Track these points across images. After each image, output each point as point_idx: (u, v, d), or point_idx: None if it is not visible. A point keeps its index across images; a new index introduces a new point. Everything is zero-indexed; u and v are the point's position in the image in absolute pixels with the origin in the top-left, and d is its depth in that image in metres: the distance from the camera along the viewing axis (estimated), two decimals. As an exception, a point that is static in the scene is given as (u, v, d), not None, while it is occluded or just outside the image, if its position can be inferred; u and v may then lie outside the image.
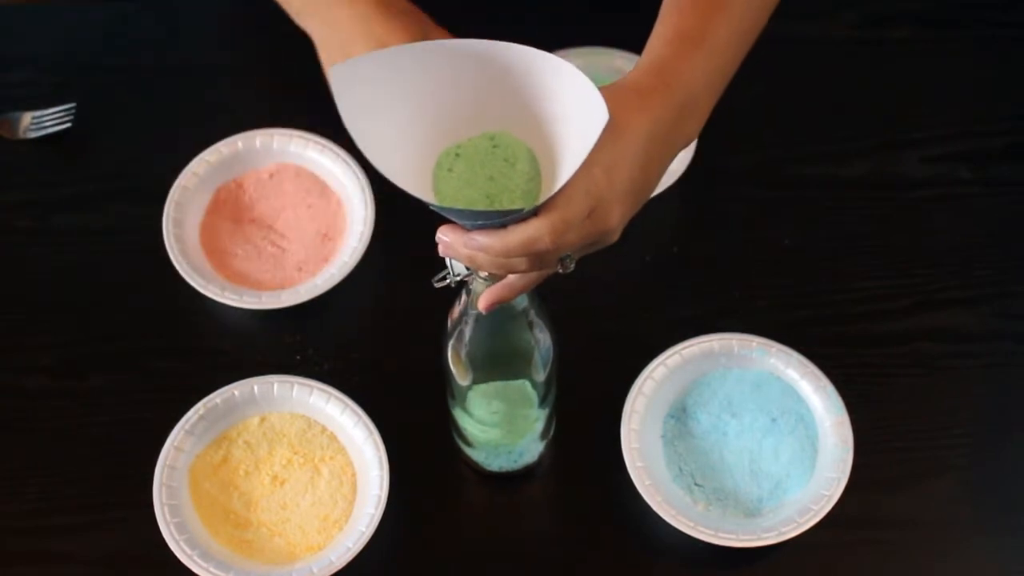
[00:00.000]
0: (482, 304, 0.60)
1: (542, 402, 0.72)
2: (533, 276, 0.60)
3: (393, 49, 0.53)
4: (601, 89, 0.59)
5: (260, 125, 0.89)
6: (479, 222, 0.55)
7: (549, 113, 0.55)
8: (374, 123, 0.53)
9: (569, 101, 0.54)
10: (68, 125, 0.92)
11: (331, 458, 0.77)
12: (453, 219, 0.55)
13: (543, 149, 0.56)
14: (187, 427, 0.77)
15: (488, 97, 0.55)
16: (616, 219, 0.57)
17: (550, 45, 0.57)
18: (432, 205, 0.53)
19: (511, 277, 0.60)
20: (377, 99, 0.53)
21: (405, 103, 0.54)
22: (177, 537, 0.73)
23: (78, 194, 0.91)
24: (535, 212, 0.54)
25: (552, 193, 0.53)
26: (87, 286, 0.87)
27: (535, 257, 0.56)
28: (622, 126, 0.57)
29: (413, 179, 0.54)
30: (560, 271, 0.59)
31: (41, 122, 0.93)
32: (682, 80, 0.61)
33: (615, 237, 0.59)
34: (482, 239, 0.55)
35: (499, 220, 0.54)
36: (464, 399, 0.72)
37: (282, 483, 0.77)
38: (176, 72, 0.89)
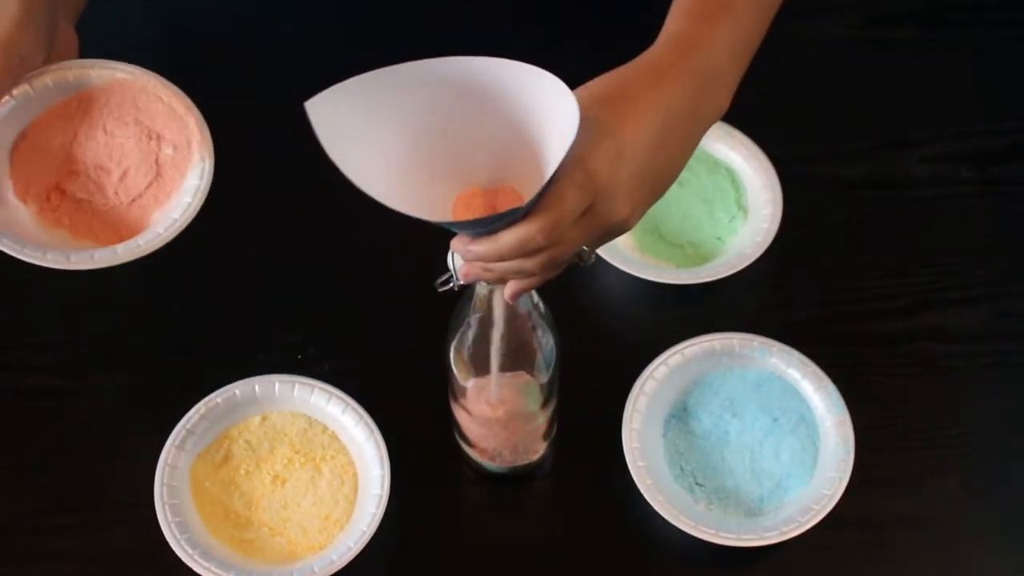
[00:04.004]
0: (508, 294, 0.60)
1: (545, 403, 0.72)
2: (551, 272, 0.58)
3: (365, 76, 0.53)
4: (614, 72, 0.59)
5: (258, 120, 0.88)
6: (476, 230, 0.54)
7: (529, 119, 0.55)
8: (356, 148, 0.53)
9: (546, 105, 0.53)
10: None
11: (332, 457, 0.77)
12: (453, 230, 0.55)
13: (531, 155, 0.55)
14: (188, 426, 0.77)
15: (470, 111, 0.55)
16: (624, 211, 0.56)
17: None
18: (426, 220, 0.53)
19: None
20: (357, 125, 0.53)
21: (386, 125, 0.54)
22: (178, 536, 0.73)
23: (78, 193, 0.91)
24: (527, 213, 0.53)
25: (536, 193, 0.52)
26: (87, 286, 0.87)
27: (539, 257, 0.55)
28: (632, 110, 0.56)
29: (403, 198, 0.53)
30: (580, 264, 0.58)
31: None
32: (703, 50, 0.60)
33: (630, 226, 0.58)
34: (478, 247, 0.54)
35: (491, 226, 0.54)
36: (466, 399, 0.71)
37: (283, 482, 0.77)
38: (175, 71, 0.88)
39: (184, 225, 0.73)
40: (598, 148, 0.55)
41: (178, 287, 0.88)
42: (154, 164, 0.76)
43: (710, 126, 0.62)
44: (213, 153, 0.75)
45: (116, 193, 0.75)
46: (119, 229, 0.75)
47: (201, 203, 0.74)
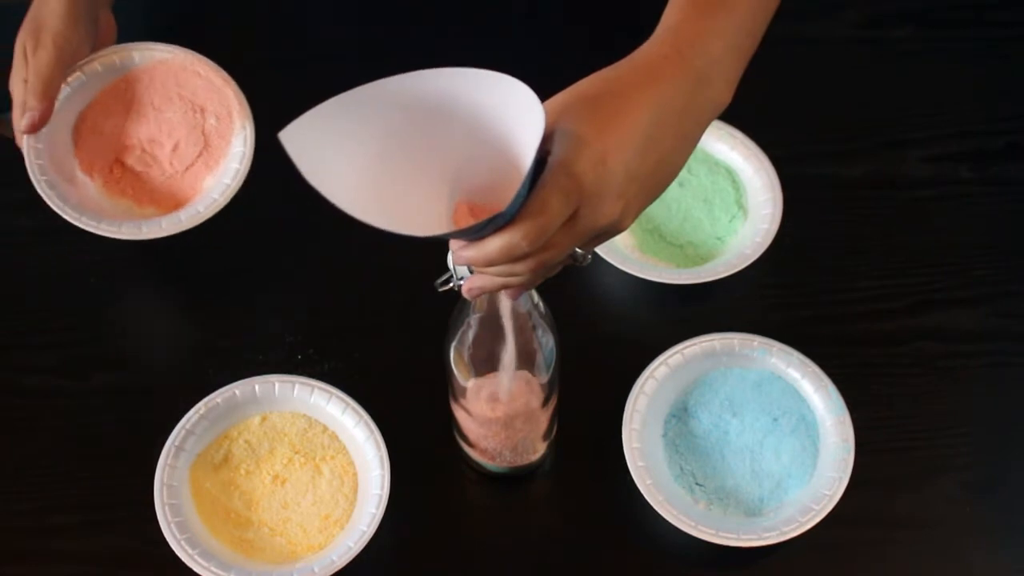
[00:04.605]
0: (511, 293, 0.60)
1: (545, 402, 0.72)
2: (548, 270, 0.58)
3: (335, 99, 0.52)
4: (605, 70, 0.58)
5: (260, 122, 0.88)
6: (464, 239, 0.54)
7: (503, 125, 0.54)
8: (336, 171, 0.53)
9: (516, 109, 0.53)
10: (68, 124, 0.92)
11: (332, 458, 0.77)
12: (442, 240, 0.54)
13: (514, 161, 0.55)
14: (188, 426, 0.77)
15: (446, 122, 0.54)
16: (614, 212, 0.56)
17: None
18: (414, 236, 0.53)
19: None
20: (334, 149, 0.53)
21: (364, 145, 0.54)
22: (178, 536, 0.73)
23: (78, 193, 0.91)
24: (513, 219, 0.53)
25: (513, 198, 0.52)
26: (87, 285, 0.87)
27: (527, 262, 0.55)
28: (622, 109, 0.56)
29: (388, 213, 0.53)
30: (575, 264, 0.58)
31: (41, 121, 0.92)
32: (699, 44, 0.59)
33: (624, 226, 0.57)
34: (467, 252, 0.54)
35: (476, 235, 0.54)
36: (466, 399, 0.71)
37: (283, 482, 0.77)
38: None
39: (236, 189, 0.82)
40: (582, 152, 0.54)
41: (178, 286, 0.88)
42: (201, 135, 0.84)
43: (710, 121, 0.61)
44: (252, 120, 0.83)
45: (171, 163, 0.84)
46: (177, 195, 0.84)
47: (248, 167, 0.82)
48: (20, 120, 0.80)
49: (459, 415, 0.74)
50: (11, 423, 0.82)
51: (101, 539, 0.78)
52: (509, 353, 0.66)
